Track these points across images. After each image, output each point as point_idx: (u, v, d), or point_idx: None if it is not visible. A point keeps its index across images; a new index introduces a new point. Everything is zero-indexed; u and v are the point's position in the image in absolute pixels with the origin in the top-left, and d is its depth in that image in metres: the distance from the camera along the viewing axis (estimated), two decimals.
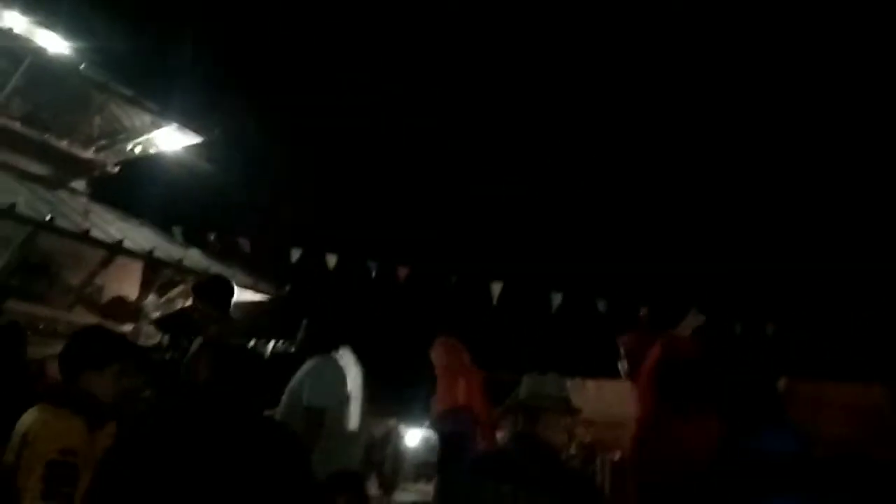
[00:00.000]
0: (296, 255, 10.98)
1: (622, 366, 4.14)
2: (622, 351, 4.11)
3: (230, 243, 11.10)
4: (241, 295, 11.17)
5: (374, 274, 10.81)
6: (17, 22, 10.20)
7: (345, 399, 4.29)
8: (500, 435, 4.78)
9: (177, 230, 10.97)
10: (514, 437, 3.00)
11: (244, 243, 11.39)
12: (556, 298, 10.38)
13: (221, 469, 2.14)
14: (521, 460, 2.77)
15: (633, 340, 4.10)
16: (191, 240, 11.24)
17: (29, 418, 2.58)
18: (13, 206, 8.02)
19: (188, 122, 11.35)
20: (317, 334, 4.46)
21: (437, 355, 5.06)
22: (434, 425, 5.20)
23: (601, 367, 6.51)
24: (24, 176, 9.69)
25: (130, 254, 9.44)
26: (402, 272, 10.66)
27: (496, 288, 10.46)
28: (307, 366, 4.30)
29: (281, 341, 11.15)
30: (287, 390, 4.27)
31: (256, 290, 11.01)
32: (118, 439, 2.51)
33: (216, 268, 10.72)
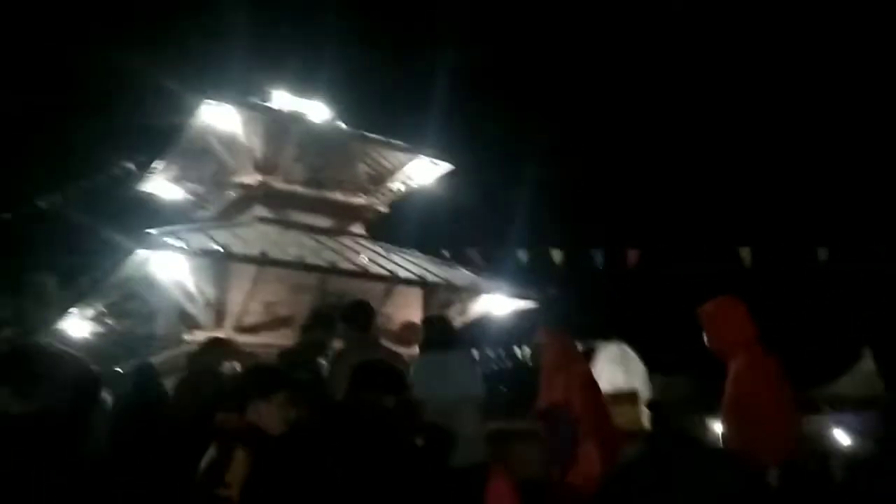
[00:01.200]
0: (557, 257, 11.00)
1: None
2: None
3: (492, 258, 11.51)
4: (511, 304, 11.54)
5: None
6: (283, 99, 11.84)
7: None
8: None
9: (445, 253, 11.66)
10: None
11: (507, 256, 11.77)
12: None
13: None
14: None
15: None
16: (458, 260, 11.88)
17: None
18: (302, 258, 9.20)
19: (439, 153, 12.12)
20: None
21: (541, 350, 4.74)
22: (534, 424, 4.75)
23: None
24: (312, 230, 11.07)
25: (407, 282, 10.22)
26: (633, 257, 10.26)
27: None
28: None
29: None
30: None
31: (524, 297, 11.23)
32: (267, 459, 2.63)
33: (482, 283, 11.18)
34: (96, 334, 12.02)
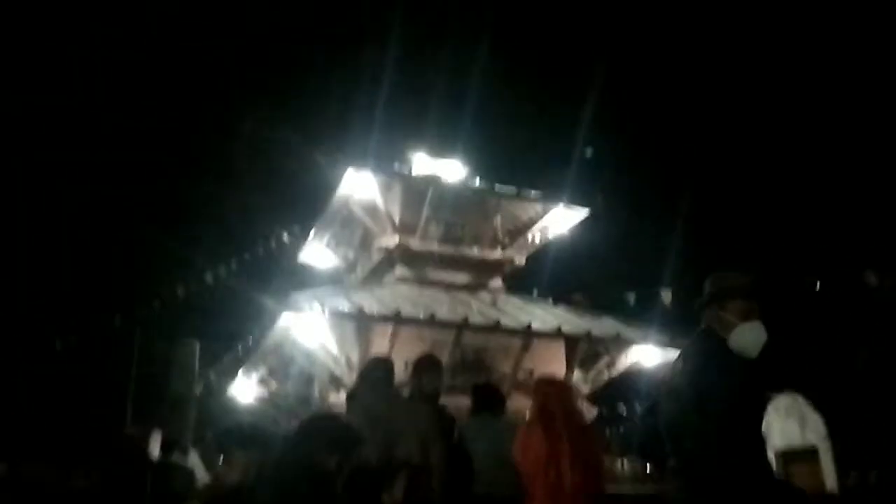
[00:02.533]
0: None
1: None
2: None
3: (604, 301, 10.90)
4: (664, 354, 10.74)
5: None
6: (422, 161, 12.22)
7: None
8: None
9: (580, 298, 11.21)
10: None
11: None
12: None
13: None
14: None
15: None
16: (602, 307, 11.34)
17: None
18: (433, 315, 9.24)
19: (573, 199, 11.83)
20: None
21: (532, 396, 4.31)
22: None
23: None
24: (450, 287, 11.14)
25: (539, 335, 9.89)
26: None
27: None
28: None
29: None
30: None
31: (672, 345, 10.41)
32: None
33: (627, 332, 10.54)
34: (260, 397, 12.86)
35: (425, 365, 4.49)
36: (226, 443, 2.68)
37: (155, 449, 9.22)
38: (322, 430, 2.61)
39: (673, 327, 10.79)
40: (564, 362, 10.68)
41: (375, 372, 4.39)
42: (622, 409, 12.23)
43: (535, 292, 11.72)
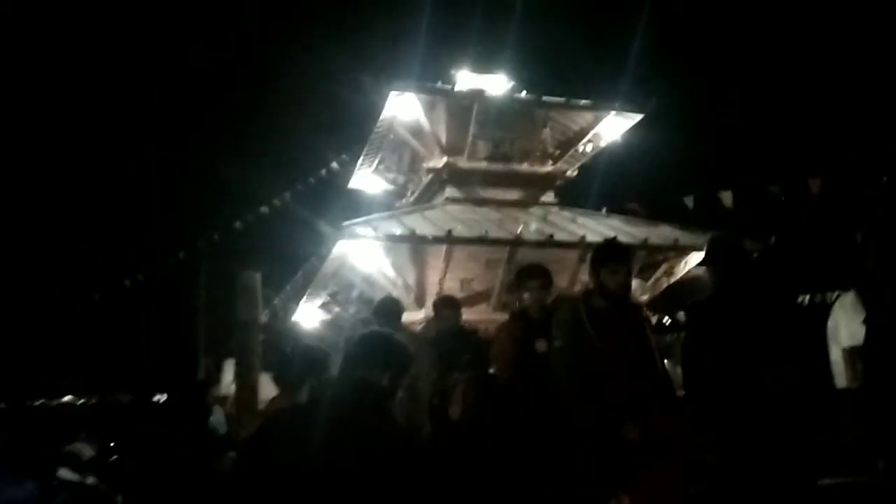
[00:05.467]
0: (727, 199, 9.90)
1: None
2: None
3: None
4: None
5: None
6: (466, 78, 11.93)
7: None
8: None
9: (636, 206, 11.00)
10: None
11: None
12: None
13: None
14: None
15: None
16: (659, 214, 11.13)
17: None
18: (485, 233, 9.23)
19: (625, 105, 11.43)
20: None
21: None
22: None
23: None
24: (501, 204, 11.05)
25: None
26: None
27: None
28: None
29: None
30: None
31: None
32: None
33: (685, 238, 10.34)
34: (324, 321, 13.24)
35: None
36: (286, 367, 2.74)
37: (229, 376, 9.66)
38: (375, 348, 2.65)
39: (734, 229, 10.53)
40: None
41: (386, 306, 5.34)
42: (682, 316, 12.12)
43: (589, 203, 11.53)
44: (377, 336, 2.80)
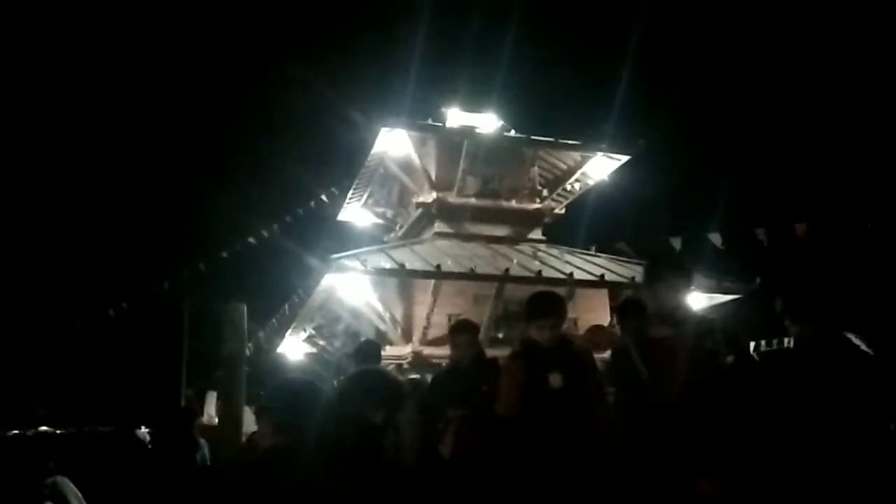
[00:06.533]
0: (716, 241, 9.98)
1: None
2: None
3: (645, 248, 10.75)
4: (709, 300, 10.62)
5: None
6: (456, 116, 12.09)
7: None
8: None
9: (623, 246, 11.10)
10: None
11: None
12: None
13: None
14: None
15: None
16: (646, 254, 11.20)
17: None
18: (473, 269, 9.27)
19: (612, 146, 11.61)
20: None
21: None
22: None
23: None
24: (489, 240, 11.12)
25: (584, 283, 9.85)
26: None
27: None
28: None
29: (765, 341, 10.11)
30: None
31: (721, 290, 10.28)
32: None
33: None
34: (309, 354, 13.15)
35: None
36: (273, 401, 2.67)
37: (211, 408, 9.51)
38: (369, 385, 2.64)
39: (720, 272, 10.64)
40: (608, 311, 10.64)
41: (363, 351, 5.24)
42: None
43: (577, 241, 11.62)
44: (370, 373, 2.79)
